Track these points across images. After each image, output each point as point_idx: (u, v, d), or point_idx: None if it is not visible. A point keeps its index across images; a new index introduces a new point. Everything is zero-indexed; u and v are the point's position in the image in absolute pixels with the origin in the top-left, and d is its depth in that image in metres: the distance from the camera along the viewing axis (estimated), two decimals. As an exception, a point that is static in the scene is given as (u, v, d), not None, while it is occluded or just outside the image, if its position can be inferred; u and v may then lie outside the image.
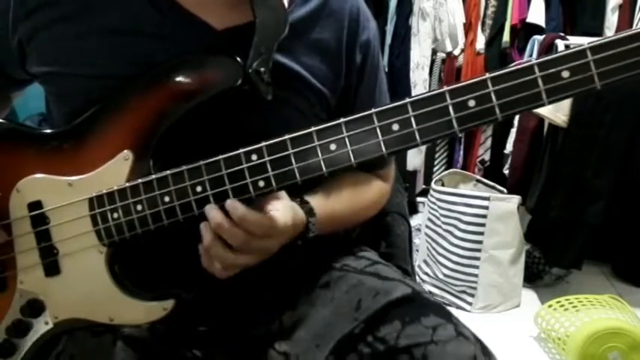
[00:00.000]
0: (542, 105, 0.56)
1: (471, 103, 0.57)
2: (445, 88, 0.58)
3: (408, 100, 0.59)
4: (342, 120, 0.61)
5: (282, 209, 0.66)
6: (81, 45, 0.70)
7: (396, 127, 0.59)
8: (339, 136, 0.61)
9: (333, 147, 0.61)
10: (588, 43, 0.54)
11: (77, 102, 0.71)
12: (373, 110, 0.60)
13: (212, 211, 0.62)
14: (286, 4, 0.72)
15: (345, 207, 0.80)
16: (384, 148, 0.60)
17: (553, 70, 0.55)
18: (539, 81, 0.55)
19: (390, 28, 2.61)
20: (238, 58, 0.65)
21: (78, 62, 0.70)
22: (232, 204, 0.62)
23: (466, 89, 0.58)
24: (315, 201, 0.74)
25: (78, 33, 0.70)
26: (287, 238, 0.69)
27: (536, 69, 0.55)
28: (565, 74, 0.55)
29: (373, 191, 0.85)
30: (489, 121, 0.58)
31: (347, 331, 0.71)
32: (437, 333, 0.68)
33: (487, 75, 0.57)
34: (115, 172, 0.67)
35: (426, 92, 0.59)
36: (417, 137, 0.59)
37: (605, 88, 0.55)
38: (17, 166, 0.71)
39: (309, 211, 0.72)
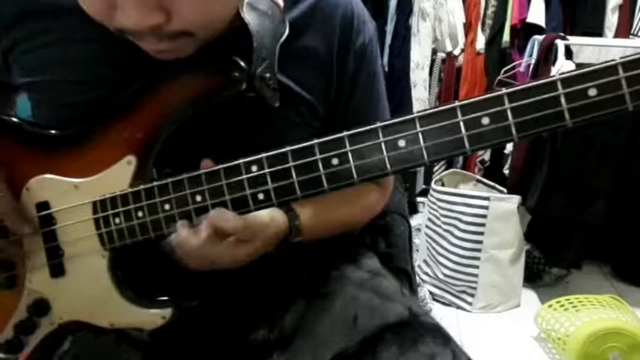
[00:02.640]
0: (565, 126, 0.50)
1: (485, 120, 0.52)
2: (457, 102, 0.54)
3: (416, 114, 0.55)
4: (345, 133, 0.57)
5: (260, 216, 0.66)
6: (60, 52, 0.69)
7: (402, 143, 0.55)
8: (341, 150, 0.57)
9: (335, 161, 0.58)
10: (620, 58, 0.48)
11: (60, 109, 0.71)
12: (378, 124, 0.56)
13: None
14: (281, 4, 0.70)
15: (335, 213, 0.78)
16: (388, 166, 0.56)
17: (578, 87, 0.49)
18: (562, 99, 0.50)
19: (390, 28, 2.61)
20: (242, 63, 0.63)
21: (58, 69, 0.70)
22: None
23: (480, 105, 0.53)
24: (301, 207, 0.72)
25: (55, 41, 0.69)
26: (264, 247, 0.68)
27: (559, 85, 0.50)
28: (592, 92, 0.49)
29: (368, 198, 0.83)
30: (504, 142, 0.53)
31: (343, 348, 0.70)
32: None
33: (503, 90, 0.52)
34: (118, 176, 0.67)
35: (436, 106, 0.55)
36: (425, 155, 0.55)
37: (637, 110, 0.49)
38: (28, 165, 0.71)
39: (293, 218, 0.71)
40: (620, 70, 0.48)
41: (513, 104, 0.52)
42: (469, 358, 0.70)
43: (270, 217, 0.68)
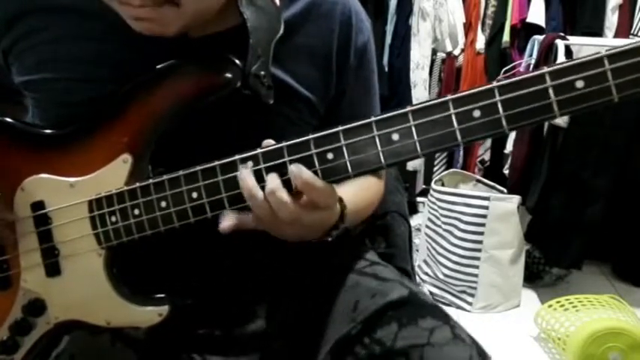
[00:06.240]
0: (554, 117, 0.52)
1: (476, 113, 0.53)
2: (449, 96, 0.55)
3: (409, 108, 0.56)
4: (340, 128, 0.58)
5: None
6: (59, 49, 0.69)
7: (396, 137, 0.56)
8: (336, 145, 0.58)
9: (330, 156, 0.58)
10: (606, 50, 0.49)
11: (58, 107, 0.71)
12: (373, 119, 0.57)
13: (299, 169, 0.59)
14: (277, 2, 0.70)
15: (362, 200, 0.78)
16: (382, 160, 0.57)
17: (566, 79, 0.51)
18: (551, 91, 0.51)
19: (390, 28, 2.61)
20: (237, 61, 0.63)
21: (57, 67, 0.70)
22: (297, 168, 0.59)
23: (471, 98, 0.54)
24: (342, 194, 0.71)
25: (55, 39, 0.69)
26: (328, 222, 0.66)
27: (547, 78, 0.51)
28: (579, 84, 0.50)
29: (373, 189, 0.84)
30: (496, 134, 0.54)
31: (344, 333, 0.71)
32: (434, 335, 0.68)
33: (494, 83, 0.53)
34: (114, 174, 0.66)
35: (429, 100, 0.56)
36: (418, 148, 0.56)
37: (624, 101, 0.50)
38: (22, 165, 0.71)
39: (341, 201, 0.69)
40: (606, 62, 0.49)
41: (503, 97, 0.53)
42: (468, 334, 0.71)
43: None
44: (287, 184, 0.60)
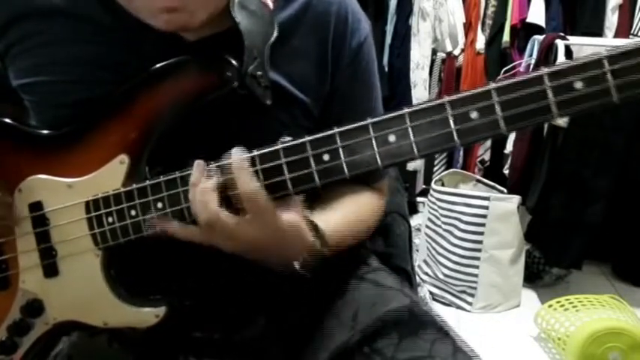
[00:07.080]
0: (552, 119, 0.52)
1: (474, 115, 0.53)
2: (446, 98, 0.54)
3: (406, 110, 0.56)
4: (336, 130, 0.58)
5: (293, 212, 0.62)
6: (58, 52, 0.69)
7: (392, 138, 0.56)
8: (332, 147, 0.58)
9: (326, 158, 0.58)
10: (606, 51, 0.49)
11: (55, 109, 0.71)
12: (369, 120, 0.57)
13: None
14: (271, 6, 0.70)
15: (348, 229, 0.75)
16: (379, 161, 0.57)
17: (565, 80, 0.50)
18: (549, 93, 0.51)
19: (390, 28, 2.62)
20: (234, 61, 0.63)
21: (55, 70, 0.70)
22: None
23: (468, 100, 0.54)
24: (323, 224, 0.68)
25: (52, 42, 0.69)
26: (284, 250, 0.64)
27: (545, 79, 0.51)
28: (578, 85, 0.50)
29: (372, 210, 0.81)
30: (494, 135, 0.54)
31: (343, 341, 0.70)
32: (434, 348, 0.67)
33: (492, 85, 0.53)
34: (111, 175, 0.66)
35: (425, 102, 0.56)
36: (415, 150, 0.56)
37: (624, 103, 0.49)
38: (20, 165, 0.70)
39: (321, 237, 0.67)
40: (606, 63, 0.49)
41: (501, 98, 0.52)
42: (470, 347, 0.70)
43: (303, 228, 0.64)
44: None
